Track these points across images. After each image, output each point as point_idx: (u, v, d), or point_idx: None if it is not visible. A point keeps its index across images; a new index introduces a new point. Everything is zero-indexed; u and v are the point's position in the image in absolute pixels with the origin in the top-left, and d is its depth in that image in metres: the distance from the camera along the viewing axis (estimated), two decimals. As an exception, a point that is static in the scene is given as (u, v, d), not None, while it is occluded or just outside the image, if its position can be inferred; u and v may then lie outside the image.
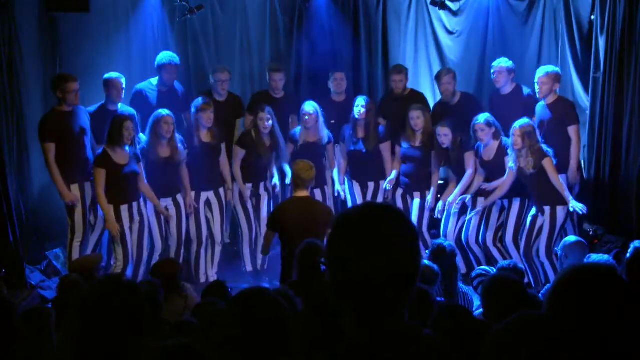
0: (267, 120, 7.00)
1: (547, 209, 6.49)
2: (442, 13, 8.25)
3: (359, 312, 1.69)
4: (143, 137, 6.82)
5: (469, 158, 6.95)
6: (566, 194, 6.39)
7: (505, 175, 6.68)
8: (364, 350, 1.66)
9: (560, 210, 6.47)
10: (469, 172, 6.95)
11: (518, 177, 6.59)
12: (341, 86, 7.60)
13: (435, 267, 4.90)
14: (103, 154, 6.40)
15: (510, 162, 6.58)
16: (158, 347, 2.16)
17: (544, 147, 6.44)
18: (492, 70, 7.27)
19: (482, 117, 6.77)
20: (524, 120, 6.49)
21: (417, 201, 7.25)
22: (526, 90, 7.30)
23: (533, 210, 6.62)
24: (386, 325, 1.67)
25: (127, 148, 6.41)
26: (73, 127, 6.69)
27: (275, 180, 7.26)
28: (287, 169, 7.10)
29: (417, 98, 7.57)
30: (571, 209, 6.39)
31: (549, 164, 6.40)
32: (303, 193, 5.81)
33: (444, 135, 6.89)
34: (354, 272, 1.66)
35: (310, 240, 4.82)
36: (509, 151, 6.56)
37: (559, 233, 6.58)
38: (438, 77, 7.46)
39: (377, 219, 1.70)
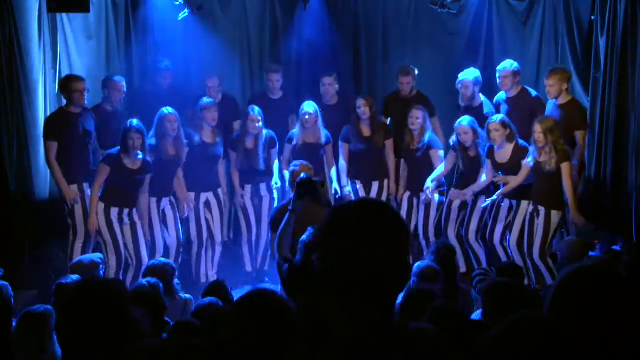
0: (258, 122, 6.99)
1: (542, 210, 6.48)
2: (442, 13, 8.24)
3: (346, 307, 1.68)
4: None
5: (488, 164, 6.89)
6: (573, 202, 6.40)
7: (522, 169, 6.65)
8: (350, 347, 1.66)
9: (554, 215, 6.46)
10: (484, 178, 6.90)
11: (532, 171, 6.54)
12: (329, 91, 7.56)
13: (437, 266, 4.91)
14: (116, 154, 6.42)
15: (528, 158, 6.51)
16: (139, 347, 2.14)
17: (568, 148, 6.42)
18: (498, 75, 7.21)
19: (498, 117, 6.73)
20: (544, 116, 6.45)
21: (423, 202, 7.23)
22: (533, 93, 7.29)
23: (529, 210, 6.60)
24: (372, 321, 1.67)
25: (139, 155, 6.40)
26: (77, 129, 6.72)
27: (275, 179, 7.26)
28: (285, 173, 7.11)
29: (422, 101, 7.52)
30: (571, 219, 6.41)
31: (567, 169, 6.37)
32: None
33: (464, 133, 6.82)
34: (341, 268, 1.67)
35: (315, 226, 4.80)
36: (531, 148, 6.49)
37: (553, 236, 6.58)
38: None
39: (368, 216, 1.70)
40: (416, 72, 7.62)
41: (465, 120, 6.87)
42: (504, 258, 6.81)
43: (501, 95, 7.38)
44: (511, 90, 7.23)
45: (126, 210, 6.53)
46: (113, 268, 6.52)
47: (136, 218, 6.63)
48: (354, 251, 1.66)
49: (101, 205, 6.47)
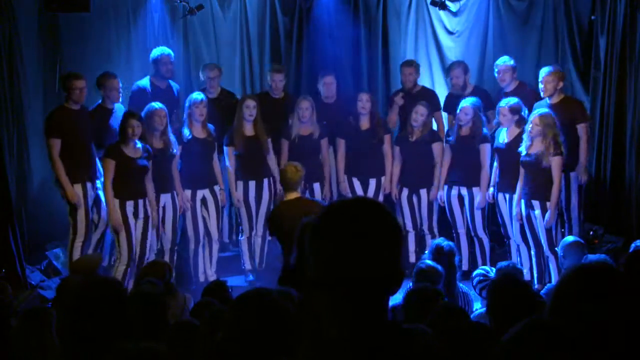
0: (253, 108, 7.02)
1: (536, 204, 6.49)
2: (442, 13, 8.25)
3: (336, 305, 1.68)
4: None
5: (485, 151, 6.93)
6: (556, 197, 6.41)
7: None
8: (340, 346, 1.66)
9: (549, 206, 6.47)
10: (485, 169, 6.95)
11: (521, 165, 6.55)
12: (330, 90, 7.60)
13: (439, 267, 4.89)
14: (115, 145, 6.40)
15: (521, 148, 6.52)
16: (126, 349, 2.13)
17: (563, 143, 6.43)
18: (497, 69, 7.26)
19: (509, 101, 6.76)
20: (545, 110, 6.49)
21: (424, 198, 7.26)
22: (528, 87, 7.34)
23: (523, 208, 6.61)
24: (362, 320, 1.67)
25: (138, 144, 6.41)
26: (79, 125, 6.66)
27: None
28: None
29: (427, 96, 7.55)
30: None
31: (558, 163, 6.39)
32: (293, 195, 5.80)
33: (465, 113, 6.90)
34: (332, 265, 1.66)
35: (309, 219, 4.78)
36: (524, 136, 6.49)
37: (556, 225, 6.58)
38: (448, 70, 7.61)
39: (361, 215, 1.69)
40: (420, 66, 7.70)
41: (469, 101, 6.96)
42: (515, 257, 6.80)
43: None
44: (510, 84, 7.26)
45: (140, 202, 6.53)
46: (124, 264, 6.47)
47: (149, 211, 6.62)
48: (345, 249, 1.65)
49: (116, 201, 6.43)
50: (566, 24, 7.86)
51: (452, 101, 7.47)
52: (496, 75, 7.30)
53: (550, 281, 6.50)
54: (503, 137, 6.81)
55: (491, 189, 6.99)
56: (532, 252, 6.69)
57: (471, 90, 7.48)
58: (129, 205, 6.46)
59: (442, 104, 7.75)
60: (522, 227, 6.73)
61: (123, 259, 6.46)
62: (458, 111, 6.98)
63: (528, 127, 6.42)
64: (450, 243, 5.53)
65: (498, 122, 6.83)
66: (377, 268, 1.66)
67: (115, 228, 6.43)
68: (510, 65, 7.22)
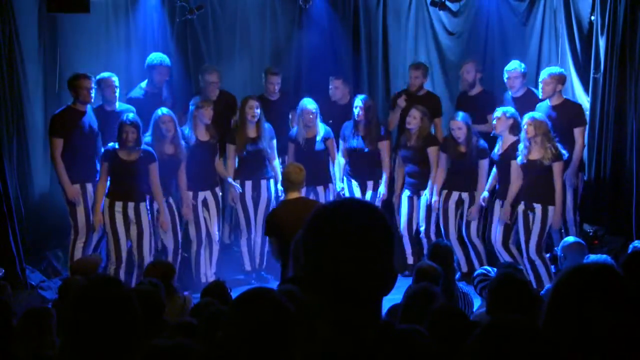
0: (256, 108, 7.02)
1: (537, 207, 6.49)
2: (442, 13, 8.25)
3: (328, 307, 1.67)
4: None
5: (483, 166, 6.94)
6: (560, 202, 6.44)
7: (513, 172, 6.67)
8: (333, 347, 1.65)
9: (551, 210, 6.47)
10: (483, 179, 6.98)
11: (521, 169, 6.54)
12: (336, 94, 7.62)
13: (438, 267, 4.90)
14: (112, 149, 6.45)
15: (519, 157, 6.53)
16: (158, 345, 2.15)
17: (562, 148, 6.44)
18: (507, 75, 7.20)
19: (506, 109, 6.77)
20: (536, 113, 6.51)
21: (424, 199, 7.26)
22: (538, 94, 7.30)
23: (521, 208, 6.61)
24: (357, 321, 1.66)
25: (137, 148, 6.41)
26: (84, 127, 6.70)
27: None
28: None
29: (430, 100, 7.54)
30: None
31: (558, 168, 6.40)
32: (294, 195, 5.76)
33: (457, 128, 6.89)
34: (324, 268, 1.65)
35: None
36: (520, 145, 6.49)
37: (548, 232, 6.59)
38: (461, 65, 7.60)
39: (350, 216, 1.68)
40: (428, 69, 7.70)
41: (459, 116, 6.95)
42: (502, 260, 6.79)
43: (506, 97, 7.38)
44: (519, 90, 7.24)
45: (130, 204, 6.52)
46: (113, 264, 6.52)
47: (143, 215, 6.62)
48: (336, 252, 1.64)
49: (107, 201, 6.50)
50: (566, 24, 7.85)
51: (461, 100, 7.46)
52: (505, 81, 7.24)
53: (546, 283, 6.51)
54: (498, 146, 6.80)
55: (486, 192, 6.98)
56: (523, 257, 6.67)
57: (479, 91, 7.46)
58: (118, 205, 6.51)
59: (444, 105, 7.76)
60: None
61: (112, 260, 6.55)
62: (451, 123, 6.99)
63: (523, 132, 6.43)
64: (448, 242, 5.54)
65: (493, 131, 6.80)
66: (369, 269, 1.65)
67: (93, 226, 6.56)
68: (521, 71, 7.17)
